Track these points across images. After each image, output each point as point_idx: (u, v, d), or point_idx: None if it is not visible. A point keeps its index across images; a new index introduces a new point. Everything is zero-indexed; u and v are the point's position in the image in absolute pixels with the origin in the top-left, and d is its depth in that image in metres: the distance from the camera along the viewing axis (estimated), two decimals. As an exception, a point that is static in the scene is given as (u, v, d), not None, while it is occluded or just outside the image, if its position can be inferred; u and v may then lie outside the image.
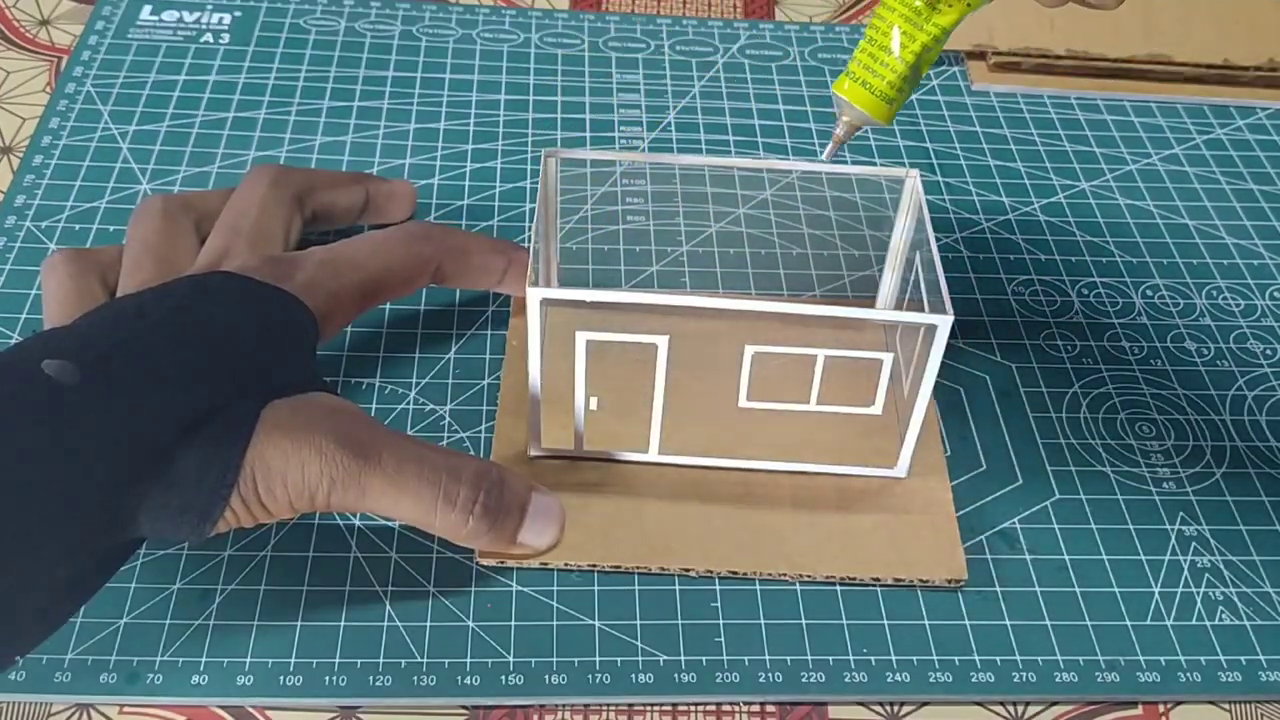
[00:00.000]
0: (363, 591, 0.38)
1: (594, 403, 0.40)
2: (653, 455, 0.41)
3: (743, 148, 0.56)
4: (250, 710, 0.36)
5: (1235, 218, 0.54)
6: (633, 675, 0.37)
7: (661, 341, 0.38)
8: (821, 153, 0.39)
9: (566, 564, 0.39)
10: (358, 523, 0.40)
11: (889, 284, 0.45)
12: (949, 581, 0.39)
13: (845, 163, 0.55)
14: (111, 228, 0.50)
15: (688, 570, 0.39)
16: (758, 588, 0.39)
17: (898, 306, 0.44)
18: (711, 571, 0.39)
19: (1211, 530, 0.42)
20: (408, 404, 0.44)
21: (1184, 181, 0.56)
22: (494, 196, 0.53)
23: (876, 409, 0.40)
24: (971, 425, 0.44)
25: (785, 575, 0.39)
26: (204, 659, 0.36)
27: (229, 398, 0.34)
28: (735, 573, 0.39)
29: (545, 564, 0.39)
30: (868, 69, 0.37)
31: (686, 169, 0.54)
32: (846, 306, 0.47)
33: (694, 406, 0.43)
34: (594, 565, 0.39)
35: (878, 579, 0.39)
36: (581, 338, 0.38)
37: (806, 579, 0.39)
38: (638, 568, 0.39)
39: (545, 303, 0.39)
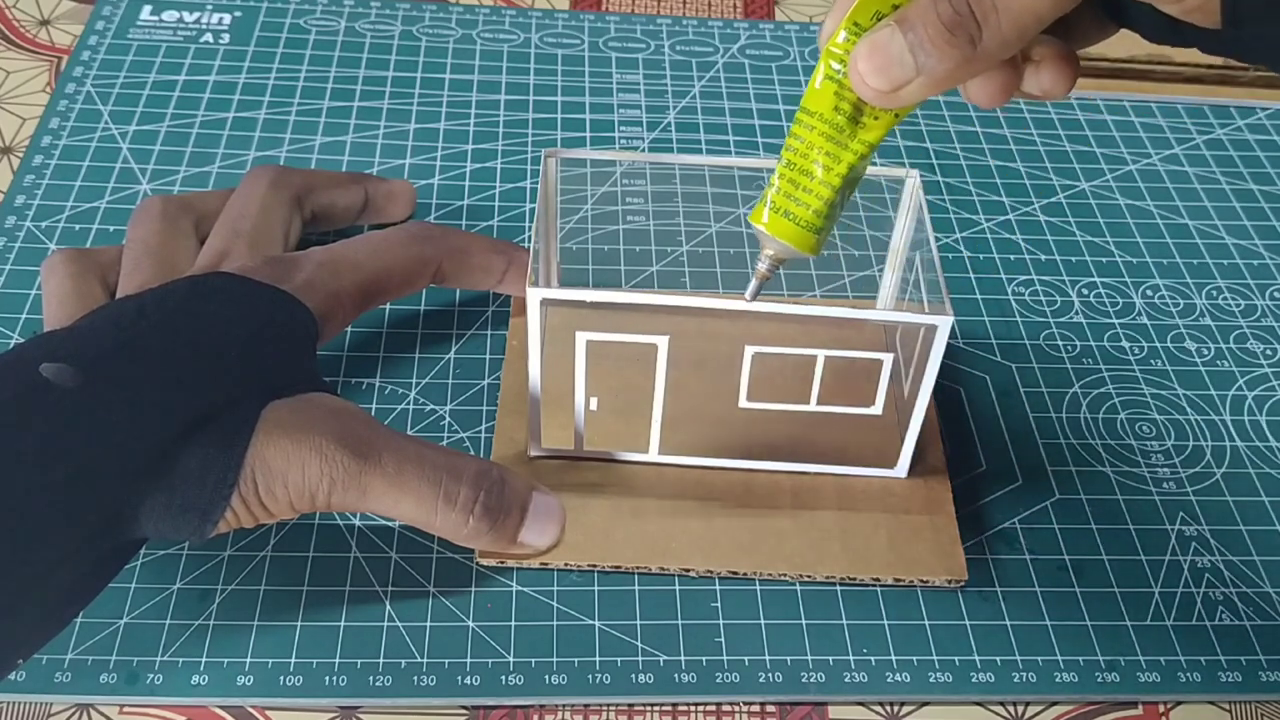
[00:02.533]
0: (363, 591, 0.38)
1: (593, 403, 0.40)
2: (653, 455, 0.41)
3: (743, 148, 0.56)
4: (250, 710, 0.36)
5: (1235, 218, 0.54)
6: (633, 675, 0.37)
7: (661, 341, 0.38)
8: (746, 290, 0.35)
9: (566, 564, 0.39)
10: (358, 523, 0.40)
11: (889, 284, 0.45)
12: (949, 581, 0.39)
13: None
14: (111, 228, 0.50)
15: (688, 570, 0.39)
16: (758, 588, 0.39)
17: (898, 307, 0.44)
18: (711, 571, 0.39)
19: (1211, 530, 0.42)
20: (408, 404, 0.44)
21: (1184, 181, 0.56)
22: (494, 196, 0.53)
23: (876, 409, 0.40)
24: (971, 425, 0.44)
25: (785, 575, 0.39)
26: (204, 659, 0.36)
27: (229, 398, 0.34)
28: (735, 573, 0.39)
29: (545, 564, 0.39)
30: (789, 197, 0.32)
31: (686, 169, 0.54)
32: (846, 306, 0.47)
33: (694, 406, 0.43)
34: (594, 565, 0.39)
35: (878, 579, 0.39)
36: (581, 338, 0.38)
37: (806, 579, 0.39)
38: (638, 568, 0.39)
39: (545, 303, 0.39)
